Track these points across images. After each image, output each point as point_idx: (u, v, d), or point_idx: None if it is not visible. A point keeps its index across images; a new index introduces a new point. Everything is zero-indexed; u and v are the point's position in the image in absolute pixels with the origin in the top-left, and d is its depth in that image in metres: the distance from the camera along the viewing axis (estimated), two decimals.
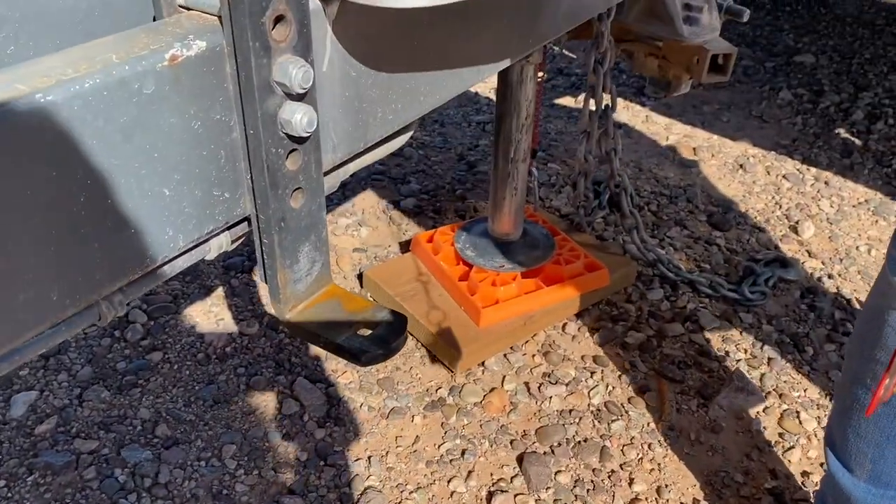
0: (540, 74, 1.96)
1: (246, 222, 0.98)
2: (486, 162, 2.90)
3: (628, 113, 3.31)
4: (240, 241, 1.06)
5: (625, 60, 2.12)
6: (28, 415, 1.78)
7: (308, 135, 0.88)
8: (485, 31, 1.30)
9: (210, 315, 2.10)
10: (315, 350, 1.99)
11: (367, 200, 2.65)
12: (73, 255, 0.76)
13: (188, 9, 0.88)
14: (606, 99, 2.05)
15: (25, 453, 1.69)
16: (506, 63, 1.46)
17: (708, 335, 2.09)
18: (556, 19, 1.58)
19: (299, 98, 0.86)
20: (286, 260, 0.96)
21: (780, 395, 1.91)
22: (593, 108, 2.07)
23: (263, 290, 2.20)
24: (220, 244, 0.98)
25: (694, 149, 3.04)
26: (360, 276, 2.26)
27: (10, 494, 1.60)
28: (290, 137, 0.87)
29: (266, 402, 1.84)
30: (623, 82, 3.55)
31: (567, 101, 3.42)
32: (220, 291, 2.19)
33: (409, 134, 1.39)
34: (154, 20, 0.99)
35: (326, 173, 1.12)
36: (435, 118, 3.24)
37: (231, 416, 1.80)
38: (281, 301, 0.99)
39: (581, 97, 3.44)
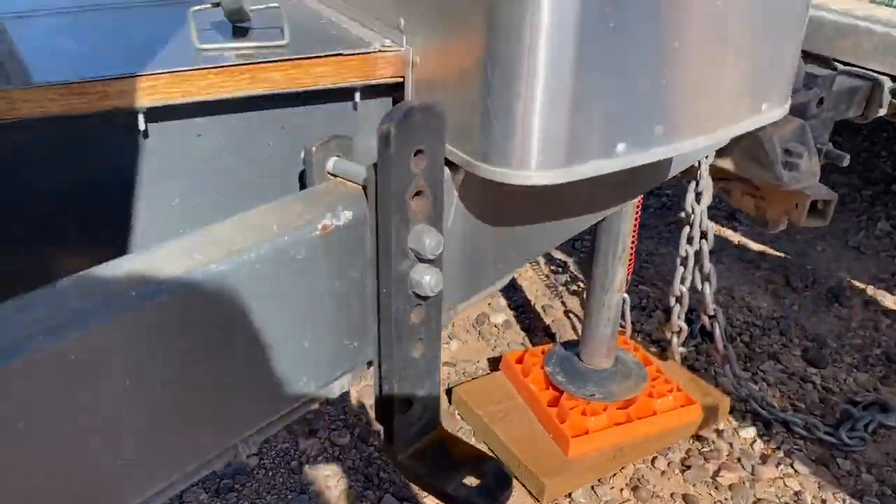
0: (638, 207, 2.02)
1: (366, 365, 1.05)
2: (575, 281, 2.94)
3: (720, 238, 3.32)
4: (357, 378, 1.13)
5: (722, 196, 2.16)
6: None
7: (434, 295, 0.95)
8: (596, 185, 1.37)
9: (304, 423, 2.17)
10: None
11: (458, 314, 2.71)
12: (224, 403, 0.83)
13: (336, 175, 0.98)
14: (702, 236, 2.08)
15: None
16: (612, 210, 1.53)
17: (803, 480, 2.02)
18: (662, 170, 1.65)
19: (429, 261, 0.94)
20: (402, 405, 1.02)
21: None
22: (689, 243, 2.10)
23: (355, 401, 2.26)
24: (343, 385, 1.05)
25: (787, 278, 3.00)
26: (448, 392, 2.30)
27: None
28: (417, 295, 0.95)
29: None
30: (715, 205, 3.56)
31: (658, 221, 3.46)
32: None
33: (513, 273, 1.46)
34: (301, 175, 1.10)
35: None
36: None
37: None
38: (394, 443, 1.04)
39: (672, 219, 3.48)
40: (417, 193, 0.90)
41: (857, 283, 2.98)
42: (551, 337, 2.62)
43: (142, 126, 0.94)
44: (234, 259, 0.77)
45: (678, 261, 2.15)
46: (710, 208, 3.25)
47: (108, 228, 0.98)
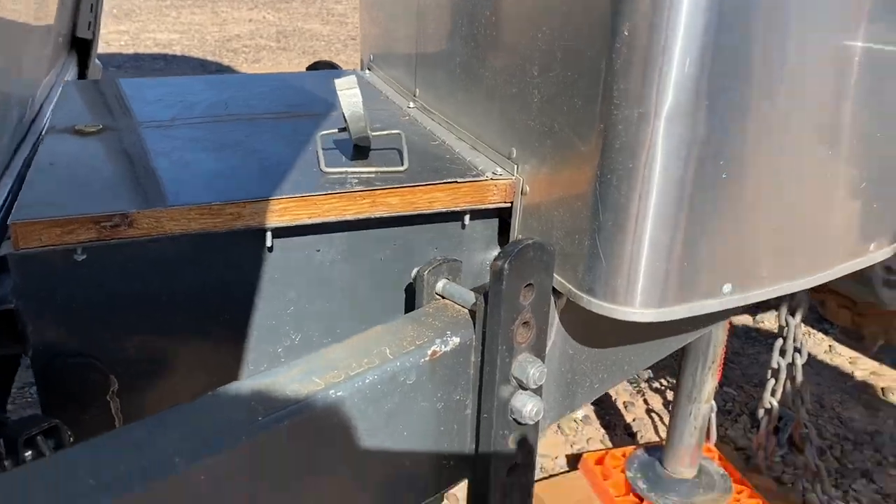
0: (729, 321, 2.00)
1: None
2: (658, 378, 2.88)
3: (810, 341, 3.21)
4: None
5: (817, 308, 2.12)
6: None
7: (533, 423, 0.97)
8: None
9: None
10: None
11: None
12: None
13: (443, 297, 1.03)
14: (795, 350, 2.03)
15: None
16: (707, 331, 1.53)
17: None
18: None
19: (531, 390, 0.96)
20: None
21: None
22: (782, 355, 2.05)
23: None
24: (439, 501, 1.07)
25: (882, 389, 2.87)
26: None
27: None
28: (516, 422, 0.97)
29: None
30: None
31: (745, 319, 3.38)
32: None
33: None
34: (409, 288, 1.15)
35: None
36: None
37: None
38: None
39: (760, 316, 3.40)
40: (524, 324, 0.93)
41: None
42: (632, 436, 2.57)
43: (269, 243, 1.01)
44: (350, 384, 0.82)
45: (769, 372, 2.10)
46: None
47: (229, 330, 1.04)
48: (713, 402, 2.32)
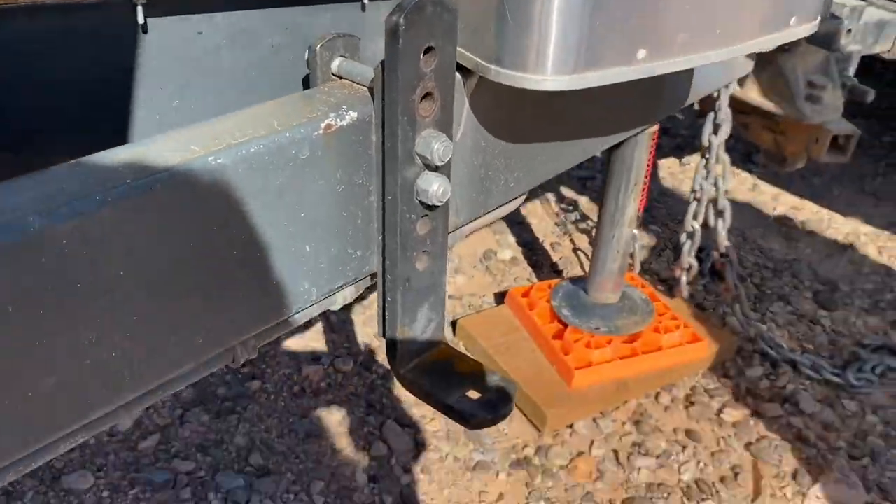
0: (653, 141, 1.97)
1: (369, 278, 1.03)
2: (585, 219, 2.90)
3: (735, 180, 3.26)
4: (361, 292, 1.11)
5: (740, 130, 2.11)
6: (133, 430, 1.87)
7: (441, 204, 0.92)
8: (612, 106, 1.33)
9: (308, 349, 2.17)
10: (405, 394, 2.02)
11: (465, 249, 2.69)
12: (220, 302, 0.81)
13: (340, 77, 0.94)
14: (719, 169, 2.03)
15: (129, 467, 1.78)
16: (627, 134, 1.49)
17: (808, 420, 2.01)
18: (680, 94, 1.59)
19: (437, 169, 0.90)
20: (406, 318, 1.00)
21: (884, 493, 1.82)
22: (705, 176, 2.05)
23: (360, 328, 2.25)
24: (346, 297, 1.02)
25: (802, 222, 2.96)
26: (453, 324, 2.29)
27: None
28: (424, 205, 0.91)
29: (355, 441, 1.88)
30: (731, 147, 3.48)
31: (671, 162, 3.40)
32: (318, 326, 2.26)
33: (523, 198, 1.42)
34: (305, 80, 1.06)
35: None
36: None
37: (321, 452, 1.85)
38: (397, 357, 1.02)
39: (686, 159, 3.42)
40: (426, 96, 0.86)
41: (872, 229, 2.93)
42: (558, 273, 2.59)
43: (141, 19, 0.90)
44: (232, 152, 0.74)
45: (692, 195, 2.11)
46: (725, 150, 3.20)
47: (105, 123, 0.95)
48: (636, 232, 2.34)
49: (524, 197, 1.43)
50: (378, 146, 0.88)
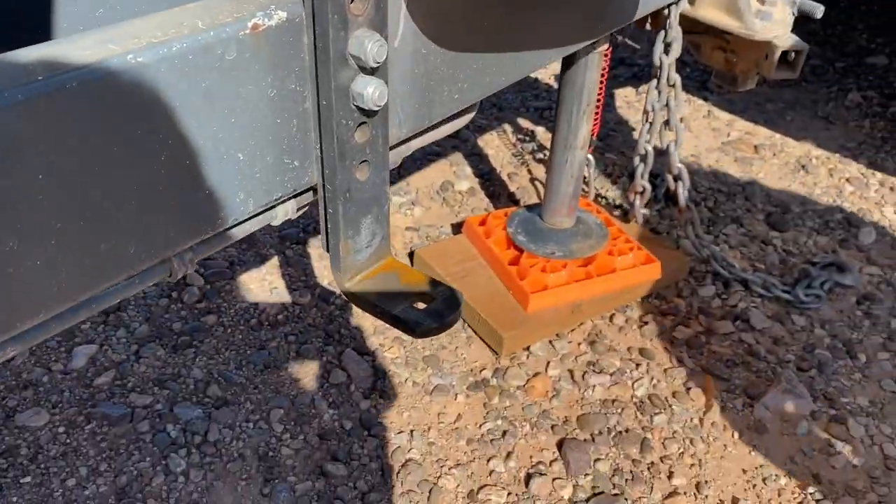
0: (605, 62, 1.95)
1: (312, 192, 1.01)
2: (542, 150, 2.89)
3: (690, 107, 3.26)
4: (304, 209, 1.09)
5: (691, 51, 2.10)
6: (88, 367, 1.86)
7: (378, 108, 0.90)
8: (555, 16, 1.31)
9: (264, 283, 2.16)
10: (363, 323, 2.03)
11: (422, 180, 2.67)
12: (151, 211, 0.79)
13: None
14: (670, 90, 2.03)
15: (84, 403, 1.76)
16: (573, 48, 1.47)
17: (758, 335, 2.06)
18: (628, 7, 1.57)
19: (372, 72, 0.88)
20: (348, 230, 0.99)
21: (829, 401, 1.88)
22: (656, 97, 2.05)
23: (317, 262, 2.24)
24: (286, 211, 1.01)
25: (755, 146, 2.98)
26: (411, 255, 2.28)
27: (68, 440, 1.67)
28: (361, 110, 0.90)
29: (314, 370, 1.89)
30: (686, 76, 3.49)
31: (628, 91, 3.39)
32: (274, 261, 2.24)
33: (471, 115, 1.41)
34: None
35: (390, 149, 1.14)
36: (493, 102, 3.24)
37: (280, 382, 1.85)
38: (341, 270, 1.02)
39: (643, 88, 3.41)
40: None
41: (823, 152, 2.97)
42: (515, 203, 2.59)
43: None
44: (153, 51, 0.71)
45: (643, 117, 2.11)
46: (681, 78, 3.20)
47: (25, 36, 0.91)
48: (591, 157, 2.34)
49: (473, 113, 1.41)
50: (310, 49, 0.85)
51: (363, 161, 0.95)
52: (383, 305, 1.00)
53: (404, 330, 0.99)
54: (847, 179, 2.80)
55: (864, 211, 2.63)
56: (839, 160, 2.92)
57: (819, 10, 1.95)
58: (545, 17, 1.27)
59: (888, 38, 3.92)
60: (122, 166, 0.73)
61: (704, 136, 3.06)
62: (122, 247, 0.78)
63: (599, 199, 2.58)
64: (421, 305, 1.01)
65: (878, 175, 2.84)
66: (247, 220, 0.93)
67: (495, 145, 2.93)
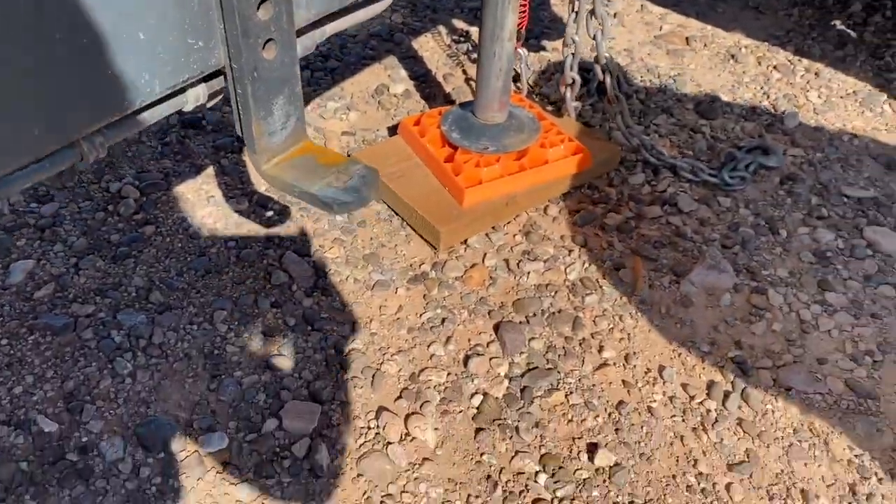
0: None
1: (223, 77, 1.02)
2: (476, 50, 2.87)
3: (624, 1, 3.26)
4: (217, 98, 1.10)
5: None
6: (26, 281, 1.86)
7: None
8: None
9: (201, 192, 2.16)
10: (303, 226, 2.05)
11: (357, 85, 2.65)
12: (52, 91, 0.80)
13: None
14: None
15: (25, 316, 1.78)
16: None
17: (685, 217, 2.15)
18: None
19: None
20: (260, 111, 1.00)
21: (751, 274, 1.99)
22: None
23: (253, 170, 2.24)
24: (197, 96, 1.02)
25: (687, 38, 3.01)
26: None
27: (12, 351, 1.69)
28: None
29: (255, 273, 1.92)
30: None
31: None
32: (210, 171, 2.24)
33: (388, 2, 1.40)
34: None
35: (301, 32, 1.14)
36: (427, 4, 3.19)
37: (222, 286, 1.88)
38: (257, 151, 1.04)
39: None
40: None
41: (753, 41, 3.01)
42: (451, 103, 2.60)
43: None
44: None
45: (569, 6, 2.12)
46: None
47: None
48: (522, 52, 2.35)
49: (390, 1, 1.41)
50: None
51: (269, 40, 0.96)
52: (301, 185, 1.03)
53: (322, 207, 1.02)
54: (775, 67, 2.86)
55: (790, 96, 2.70)
56: (767, 48, 2.97)
57: None
58: None
59: None
60: (18, 43, 0.74)
61: (638, 30, 3.07)
62: (27, 127, 0.79)
63: (535, 95, 2.60)
64: (337, 183, 1.04)
65: (805, 61, 2.90)
66: (156, 103, 0.94)
67: (430, 47, 2.91)
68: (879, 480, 1.59)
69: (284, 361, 1.71)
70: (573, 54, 2.24)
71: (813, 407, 1.71)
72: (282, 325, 1.79)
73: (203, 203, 2.12)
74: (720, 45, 2.99)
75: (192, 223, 2.05)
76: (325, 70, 2.72)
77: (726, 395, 1.70)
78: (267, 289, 1.88)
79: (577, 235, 2.08)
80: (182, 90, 0.97)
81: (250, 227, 2.05)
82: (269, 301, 1.85)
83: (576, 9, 2.11)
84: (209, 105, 1.08)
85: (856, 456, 1.63)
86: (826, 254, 2.07)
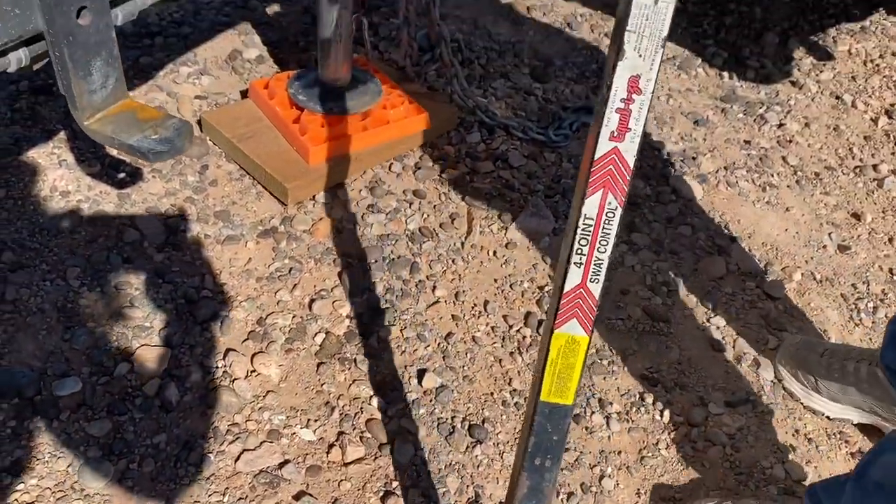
0: None
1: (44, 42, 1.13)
2: None
3: None
4: (42, 62, 1.21)
5: None
6: None
7: None
8: None
9: (53, 157, 2.21)
10: (154, 188, 2.15)
11: (210, 51, 2.73)
12: None
13: None
14: None
15: None
16: None
17: (515, 172, 2.38)
18: None
19: None
20: (79, 71, 1.13)
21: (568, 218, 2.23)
22: None
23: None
24: (20, 59, 1.13)
25: (528, 7, 3.24)
26: (200, 122, 2.39)
27: None
28: None
29: (107, 231, 2.01)
30: None
31: None
32: (62, 135, 2.28)
33: None
34: None
35: (121, 1, 1.27)
36: None
37: (75, 244, 1.96)
38: (78, 108, 1.16)
39: None
40: None
41: (587, 10, 3.27)
42: (303, 67, 2.72)
43: None
44: None
45: None
46: None
47: None
48: (364, 20, 2.50)
49: None
50: None
51: (82, 7, 1.08)
52: (119, 137, 1.16)
53: (139, 156, 1.16)
54: (605, 34, 3.13)
55: None
56: (601, 17, 3.24)
57: None
58: None
59: None
60: None
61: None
62: None
63: (383, 61, 2.76)
64: (155, 136, 1.18)
65: None
66: None
67: (284, 13, 3.01)
68: (666, 389, 1.88)
69: (136, 312, 1.83)
70: (407, 25, 2.41)
71: (614, 330, 1.99)
72: (133, 279, 1.90)
73: (55, 167, 2.17)
74: (558, 13, 3.23)
75: (43, 186, 2.11)
76: (179, 36, 2.78)
77: (540, 323, 1.95)
78: (119, 246, 1.98)
79: (419, 189, 2.28)
80: (3, 53, 1.08)
81: (102, 189, 2.13)
82: (122, 257, 1.95)
83: None
84: (35, 67, 1.19)
85: (647, 369, 1.91)
86: (636, 200, 2.35)
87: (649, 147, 2.55)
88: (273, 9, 3.03)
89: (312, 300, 1.93)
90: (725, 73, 3.01)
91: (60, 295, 1.84)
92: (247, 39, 2.82)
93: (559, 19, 3.19)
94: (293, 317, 1.89)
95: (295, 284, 1.96)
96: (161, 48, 2.69)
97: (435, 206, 2.23)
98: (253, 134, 2.27)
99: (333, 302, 1.93)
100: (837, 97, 2.96)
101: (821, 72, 3.09)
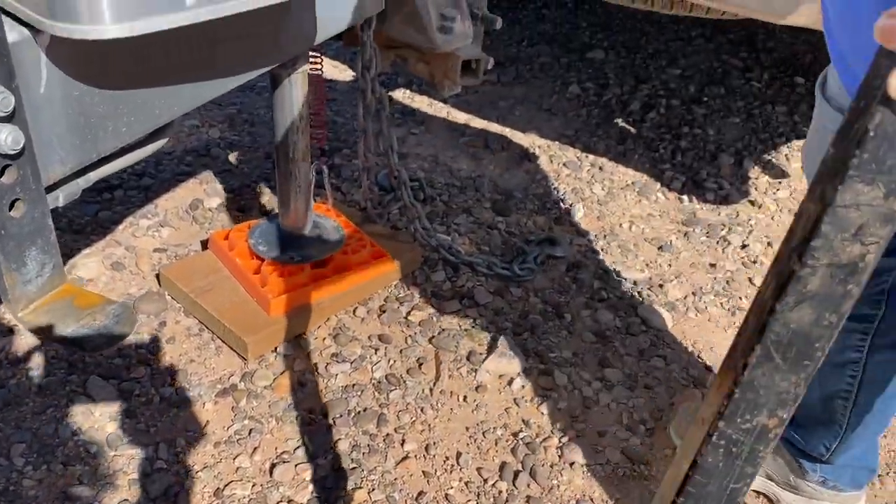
0: (319, 78, 2.12)
1: None
2: None
3: (431, 109, 3.55)
4: None
5: (401, 64, 2.33)
6: None
7: (16, 152, 1.00)
8: (224, 51, 1.45)
9: (1, 323, 2.13)
10: (107, 350, 2.07)
11: (171, 201, 2.72)
12: None
13: None
14: (378, 104, 2.24)
15: None
16: (251, 75, 1.62)
17: (482, 309, 2.34)
18: (306, 34, 1.74)
19: (7, 120, 0.98)
20: (12, 264, 1.08)
21: (539, 357, 2.18)
22: (364, 112, 2.25)
23: None
24: None
25: (487, 141, 3.30)
26: (158, 276, 2.34)
27: None
28: (2, 155, 0.99)
29: (58, 401, 1.91)
30: (421, 80, 3.76)
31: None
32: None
33: (163, 141, 1.52)
34: None
35: (61, 183, 1.24)
36: (245, 118, 3.33)
37: (21, 417, 1.86)
38: (11, 301, 1.10)
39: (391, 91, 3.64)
40: None
41: (545, 141, 3.35)
42: (266, 215, 2.71)
43: None
44: None
45: (358, 132, 2.31)
46: (420, 83, 3.46)
47: None
48: (325, 167, 2.52)
49: (165, 139, 1.52)
50: None
51: (15, 199, 1.04)
52: (55, 328, 1.10)
53: (76, 348, 1.10)
54: (564, 164, 3.19)
55: (577, 189, 3.01)
56: (558, 147, 3.31)
57: (497, 22, 2.25)
58: (212, 53, 1.41)
59: (606, 33, 4.45)
60: None
61: (443, 135, 3.34)
62: None
63: (345, 203, 2.77)
64: (94, 323, 1.12)
65: (591, 157, 3.26)
66: None
67: (246, 160, 3.03)
68: None
69: (84, 490, 1.71)
70: (368, 170, 2.42)
71: (595, 477, 1.89)
72: (83, 453, 1.79)
73: (4, 332, 2.09)
74: (517, 146, 3.30)
75: None
76: (140, 188, 2.77)
77: (516, 474, 1.85)
78: (69, 416, 1.87)
79: (384, 334, 2.22)
80: None
81: (54, 353, 2.04)
82: (71, 429, 1.84)
83: (363, 129, 2.30)
84: None
85: None
86: (606, 333, 2.31)
87: (615, 276, 2.54)
88: (234, 155, 3.05)
89: (273, 465, 1.82)
90: (685, 197, 3.05)
91: (2, 476, 1.72)
92: (208, 188, 2.82)
93: (518, 151, 3.25)
94: (253, 485, 1.78)
95: (255, 448, 1.86)
96: (121, 201, 2.68)
97: (401, 350, 2.17)
98: (212, 287, 2.22)
99: (296, 465, 1.83)
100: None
101: (777, 190, 3.15)
